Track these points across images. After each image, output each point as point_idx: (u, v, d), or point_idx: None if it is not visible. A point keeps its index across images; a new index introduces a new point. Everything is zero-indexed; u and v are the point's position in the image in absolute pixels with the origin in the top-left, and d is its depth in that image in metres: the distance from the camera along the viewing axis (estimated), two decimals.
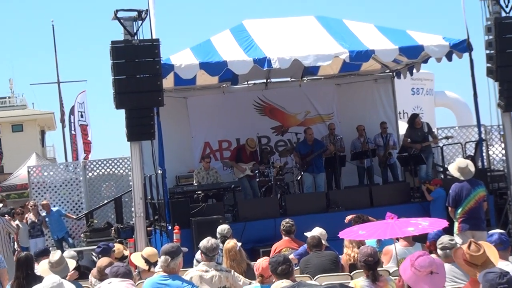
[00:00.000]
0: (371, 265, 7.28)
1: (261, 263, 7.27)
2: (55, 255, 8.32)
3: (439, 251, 7.90)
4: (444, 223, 8.23)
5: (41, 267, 8.36)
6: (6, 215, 17.73)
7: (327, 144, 17.43)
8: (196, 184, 16.33)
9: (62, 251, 8.92)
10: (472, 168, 12.30)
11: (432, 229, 8.24)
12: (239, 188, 16.42)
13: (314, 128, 18.34)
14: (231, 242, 9.03)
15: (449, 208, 12.35)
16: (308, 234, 9.95)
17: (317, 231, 9.92)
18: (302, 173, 17.03)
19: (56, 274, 7.66)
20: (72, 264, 8.50)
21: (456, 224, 12.16)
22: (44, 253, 9.70)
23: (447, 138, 18.67)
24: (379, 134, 18.19)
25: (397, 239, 9.09)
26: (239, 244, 9.08)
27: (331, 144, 17.41)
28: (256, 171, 16.84)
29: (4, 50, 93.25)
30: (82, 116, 26.07)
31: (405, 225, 7.67)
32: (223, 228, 10.65)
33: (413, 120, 17.66)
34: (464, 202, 12.09)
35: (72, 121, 27.20)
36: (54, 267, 8.14)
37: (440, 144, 18.89)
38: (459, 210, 12.13)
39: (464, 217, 12.09)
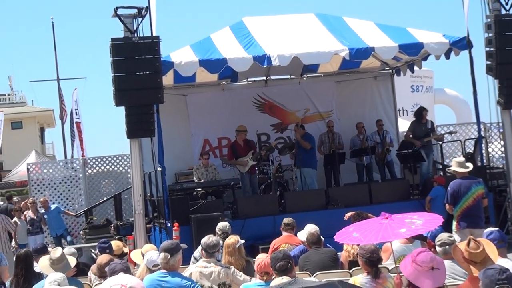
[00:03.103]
0: (374, 261, 7.26)
1: (265, 260, 7.21)
2: (56, 252, 8.30)
3: (437, 248, 7.87)
4: (440, 220, 8.08)
5: (41, 264, 8.35)
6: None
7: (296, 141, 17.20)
8: (195, 180, 16.33)
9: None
10: (469, 164, 12.33)
11: (425, 229, 8.10)
12: (239, 185, 16.41)
13: (314, 125, 18.37)
14: (232, 239, 9.02)
15: (447, 206, 12.28)
16: (300, 234, 9.93)
17: (308, 228, 9.89)
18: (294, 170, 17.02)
19: (57, 271, 7.67)
20: (72, 261, 8.48)
21: (454, 222, 12.09)
22: (42, 250, 9.64)
23: (451, 133, 18.64)
24: (376, 132, 18.21)
25: None
26: (242, 241, 9.05)
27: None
28: (256, 168, 16.86)
29: (4, 47, 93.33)
30: (76, 113, 26.13)
31: (398, 226, 7.57)
32: (224, 225, 10.67)
33: (420, 113, 17.54)
34: (462, 199, 11.97)
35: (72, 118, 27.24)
36: (55, 264, 8.13)
37: (440, 142, 18.87)
38: (457, 208, 12.03)
39: (462, 215, 11.99)
